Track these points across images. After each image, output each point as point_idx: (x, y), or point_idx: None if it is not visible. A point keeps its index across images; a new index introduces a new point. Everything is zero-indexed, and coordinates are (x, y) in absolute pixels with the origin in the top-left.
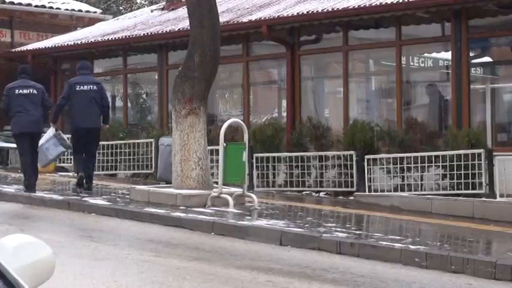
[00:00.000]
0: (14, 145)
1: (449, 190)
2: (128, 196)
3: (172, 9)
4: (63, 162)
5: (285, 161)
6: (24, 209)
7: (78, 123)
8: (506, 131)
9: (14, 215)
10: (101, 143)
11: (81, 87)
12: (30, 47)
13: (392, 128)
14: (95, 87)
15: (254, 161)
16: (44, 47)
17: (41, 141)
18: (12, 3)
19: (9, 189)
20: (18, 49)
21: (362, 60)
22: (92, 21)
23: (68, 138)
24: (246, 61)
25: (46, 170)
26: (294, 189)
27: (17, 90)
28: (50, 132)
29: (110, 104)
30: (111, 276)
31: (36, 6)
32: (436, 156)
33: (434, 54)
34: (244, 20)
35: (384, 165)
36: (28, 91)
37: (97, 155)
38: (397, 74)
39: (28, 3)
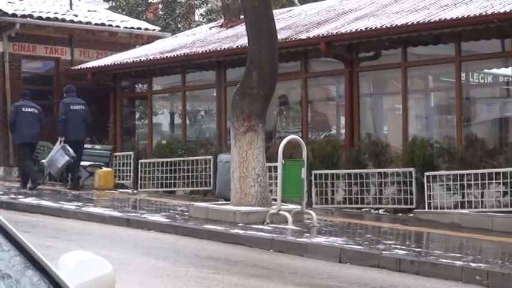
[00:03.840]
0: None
1: (511, 207)
2: (186, 213)
3: (231, 27)
4: (123, 179)
5: (344, 178)
6: (84, 225)
7: (70, 135)
8: None
9: (74, 232)
10: (159, 160)
11: (75, 107)
12: (89, 64)
13: (452, 145)
14: (83, 107)
15: (313, 178)
16: (103, 64)
17: (50, 154)
18: (72, 21)
19: (70, 206)
20: (78, 67)
21: (421, 77)
22: (150, 39)
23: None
24: (304, 78)
25: (105, 186)
26: (353, 206)
27: (23, 108)
28: (58, 145)
29: (169, 121)
30: None
31: (95, 24)
32: (497, 173)
33: (494, 70)
34: (303, 36)
35: (443, 182)
36: (31, 110)
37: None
38: (457, 90)
39: (88, 21)
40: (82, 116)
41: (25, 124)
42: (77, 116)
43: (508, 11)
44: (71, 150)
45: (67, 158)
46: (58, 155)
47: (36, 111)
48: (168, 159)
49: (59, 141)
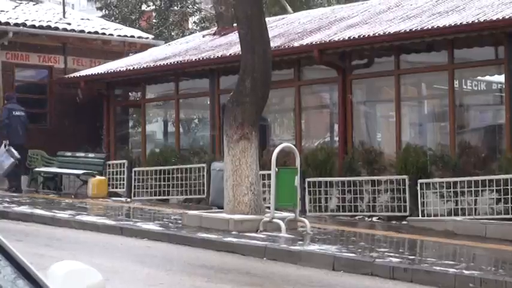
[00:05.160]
0: (68, 170)
1: (504, 214)
2: (180, 221)
3: (224, 35)
4: (116, 188)
5: (337, 186)
6: (77, 234)
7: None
8: None
9: (67, 240)
10: (153, 168)
11: (16, 113)
12: (83, 73)
13: (446, 152)
14: (23, 113)
15: (306, 185)
16: (96, 73)
17: None
18: (65, 30)
19: (63, 214)
20: (71, 75)
21: (414, 84)
22: (144, 47)
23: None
24: (297, 85)
25: (99, 195)
26: (347, 214)
27: None
28: (3, 147)
29: (162, 129)
30: None
31: (89, 32)
32: (490, 180)
33: (487, 78)
34: (296, 44)
35: (437, 189)
36: None
37: (146, 179)
38: (450, 98)
39: (81, 30)
40: (23, 122)
41: None
42: (18, 122)
43: (501, 18)
44: (16, 152)
45: (12, 159)
46: (4, 158)
47: None
48: (162, 168)
49: (3, 145)
